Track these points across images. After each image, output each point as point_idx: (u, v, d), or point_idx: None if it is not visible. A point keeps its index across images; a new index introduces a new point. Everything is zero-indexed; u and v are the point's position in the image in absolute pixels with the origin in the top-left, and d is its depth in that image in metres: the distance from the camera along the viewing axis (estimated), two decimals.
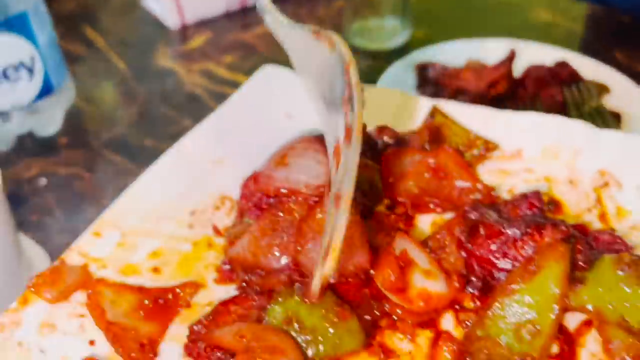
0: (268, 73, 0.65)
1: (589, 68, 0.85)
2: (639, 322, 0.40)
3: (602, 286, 0.42)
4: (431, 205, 0.53)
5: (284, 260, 0.46)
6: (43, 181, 0.74)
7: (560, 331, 0.43)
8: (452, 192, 0.54)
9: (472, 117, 0.60)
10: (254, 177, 0.51)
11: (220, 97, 0.74)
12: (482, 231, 0.46)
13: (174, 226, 0.51)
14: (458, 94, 0.80)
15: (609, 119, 0.80)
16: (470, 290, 0.46)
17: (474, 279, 0.46)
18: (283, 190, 0.49)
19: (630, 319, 0.40)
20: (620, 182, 0.54)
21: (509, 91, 0.82)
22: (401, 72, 0.84)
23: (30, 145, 0.78)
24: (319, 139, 0.53)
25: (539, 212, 0.48)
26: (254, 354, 0.39)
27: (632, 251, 0.46)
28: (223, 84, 0.93)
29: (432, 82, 0.84)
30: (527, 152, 0.58)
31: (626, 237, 0.49)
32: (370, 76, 0.83)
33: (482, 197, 0.53)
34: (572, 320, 0.44)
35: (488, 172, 0.57)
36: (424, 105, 0.60)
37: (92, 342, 0.42)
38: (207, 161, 0.56)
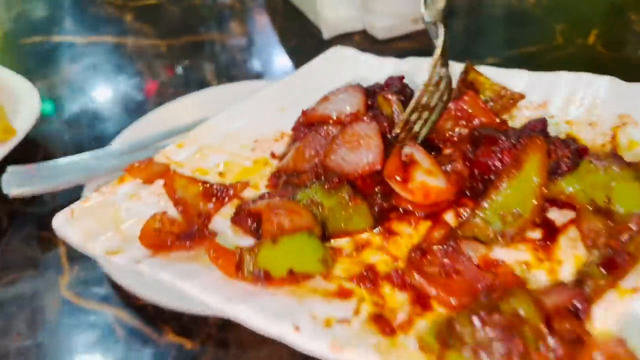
0: (336, 52, 0.78)
1: None
2: (604, 201, 0.45)
3: (579, 177, 0.47)
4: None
5: (314, 162, 0.56)
6: None
7: (547, 224, 0.49)
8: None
9: (500, 75, 0.67)
10: (303, 113, 0.63)
11: None
12: (484, 142, 0.53)
13: (239, 148, 0.64)
14: None
15: None
16: (470, 195, 0.53)
17: (475, 184, 0.53)
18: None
19: (598, 199, 0.45)
20: (638, 122, 0.58)
21: None
22: None
23: None
24: (360, 86, 0.64)
25: (541, 131, 0.55)
26: (277, 213, 0.50)
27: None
28: None
29: None
30: (552, 103, 0.64)
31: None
32: None
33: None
34: (560, 219, 0.49)
35: (514, 120, 0.64)
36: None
37: (164, 212, 0.55)
38: (274, 108, 0.69)
